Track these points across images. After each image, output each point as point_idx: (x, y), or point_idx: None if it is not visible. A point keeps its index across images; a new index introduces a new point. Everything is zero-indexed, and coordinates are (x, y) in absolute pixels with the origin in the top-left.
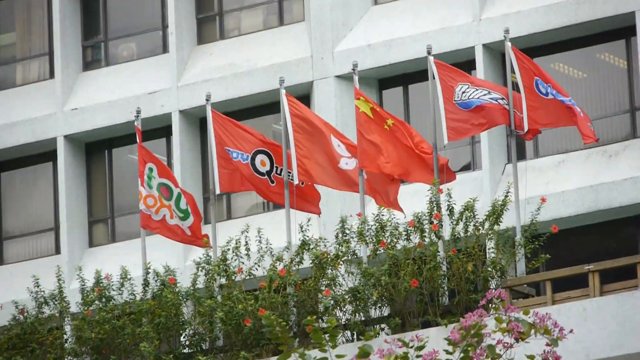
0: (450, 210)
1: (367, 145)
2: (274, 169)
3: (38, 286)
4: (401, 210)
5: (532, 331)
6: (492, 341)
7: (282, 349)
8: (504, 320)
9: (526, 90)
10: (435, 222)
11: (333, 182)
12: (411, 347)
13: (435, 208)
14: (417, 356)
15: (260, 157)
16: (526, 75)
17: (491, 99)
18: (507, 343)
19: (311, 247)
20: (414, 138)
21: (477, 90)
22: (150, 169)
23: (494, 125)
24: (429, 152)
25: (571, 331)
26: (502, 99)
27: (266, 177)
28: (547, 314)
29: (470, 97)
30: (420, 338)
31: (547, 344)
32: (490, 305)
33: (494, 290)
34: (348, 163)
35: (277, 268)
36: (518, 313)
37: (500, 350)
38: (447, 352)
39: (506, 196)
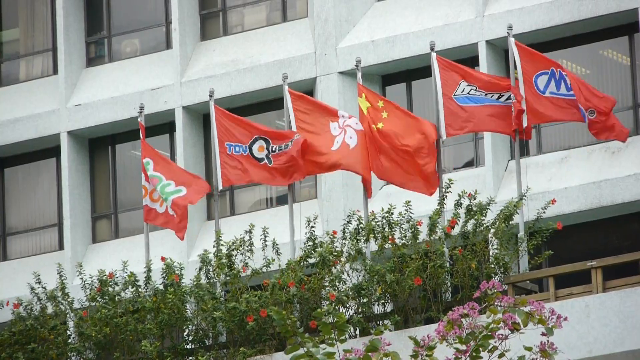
0: (469, 211)
1: (368, 142)
2: (271, 148)
3: (39, 282)
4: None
5: (529, 320)
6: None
7: (290, 342)
8: (499, 310)
9: (526, 86)
10: (450, 226)
11: (338, 164)
12: (421, 347)
13: (454, 207)
14: (427, 355)
15: (258, 144)
16: (527, 70)
17: (497, 100)
18: (502, 335)
19: (320, 242)
20: (409, 140)
21: (483, 93)
22: (147, 163)
23: (494, 130)
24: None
25: (565, 319)
26: (508, 98)
27: (265, 160)
28: (539, 302)
29: (474, 95)
30: (431, 338)
31: (543, 334)
32: (484, 296)
33: (487, 282)
34: (338, 142)
35: (285, 272)
36: (511, 303)
37: (495, 342)
38: (458, 350)
39: (520, 199)
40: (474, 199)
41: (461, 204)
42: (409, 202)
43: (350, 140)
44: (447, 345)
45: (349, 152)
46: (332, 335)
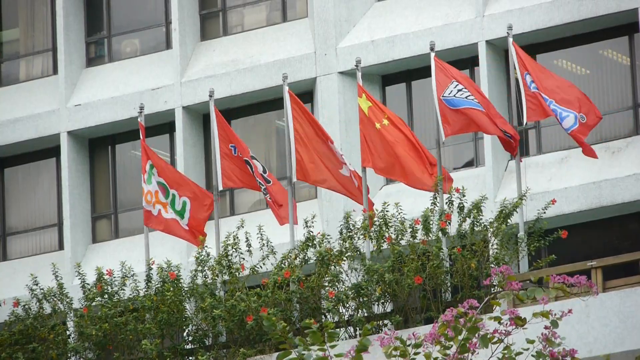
0: (461, 209)
1: (368, 144)
2: (265, 178)
3: (37, 284)
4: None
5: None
6: (489, 328)
7: (283, 347)
8: (508, 295)
9: (524, 84)
10: (444, 220)
11: (331, 183)
12: (409, 345)
13: (447, 206)
14: (415, 353)
15: (254, 162)
16: (521, 70)
17: (478, 104)
18: (504, 331)
19: (315, 242)
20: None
21: (468, 93)
22: (151, 166)
23: (487, 132)
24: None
25: (570, 311)
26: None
27: (260, 184)
28: (563, 276)
29: (462, 96)
30: (417, 336)
31: (546, 327)
32: (494, 284)
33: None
34: (346, 170)
35: (283, 267)
36: (519, 286)
37: (498, 337)
38: (444, 346)
39: (521, 198)
40: (464, 195)
41: (452, 201)
42: (398, 203)
43: (354, 178)
44: (439, 350)
45: (355, 186)
46: (322, 342)
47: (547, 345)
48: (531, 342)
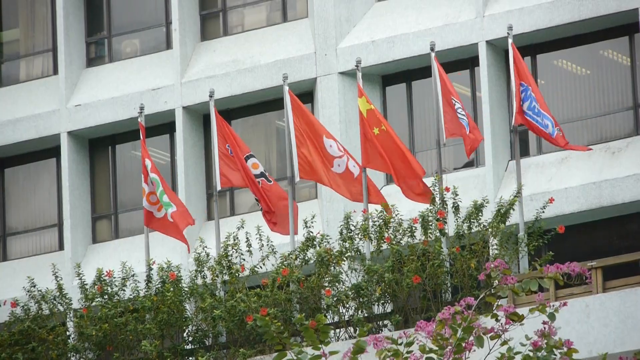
0: (456, 208)
1: (367, 144)
2: (265, 174)
3: (34, 286)
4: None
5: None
6: (485, 325)
7: (277, 349)
8: (504, 290)
9: (516, 87)
10: (440, 219)
11: (329, 182)
12: (400, 344)
13: (440, 205)
14: (408, 352)
15: (252, 161)
16: (517, 75)
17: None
18: (501, 329)
19: (315, 242)
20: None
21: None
22: (148, 164)
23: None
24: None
25: (565, 304)
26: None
27: (260, 179)
28: (557, 265)
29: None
30: (408, 334)
31: (544, 322)
32: (489, 279)
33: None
34: (340, 165)
35: (282, 267)
36: (514, 280)
37: (496, 332)
38: (439, 345)
39: (516, 196)
40: (456, 194)
41: (446, 202)
42: (394, 205)
43: (353, 169)
44: (436, 351)
45: (353, 180)
46: (316, 340)
47: (543, 340)
48: (529, 339)
